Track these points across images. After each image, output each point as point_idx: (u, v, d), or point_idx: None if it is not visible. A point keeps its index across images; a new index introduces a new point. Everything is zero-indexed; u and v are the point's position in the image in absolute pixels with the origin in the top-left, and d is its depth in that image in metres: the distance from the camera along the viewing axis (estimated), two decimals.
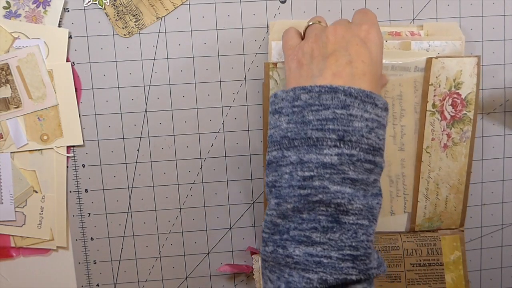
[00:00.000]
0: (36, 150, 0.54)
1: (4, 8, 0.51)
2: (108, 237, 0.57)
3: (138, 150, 0.55)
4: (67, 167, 0.55)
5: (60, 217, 0.55)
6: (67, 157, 0.55)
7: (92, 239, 0.56)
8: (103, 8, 0.53)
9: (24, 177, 0.54)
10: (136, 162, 0.55)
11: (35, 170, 0.54)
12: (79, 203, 0.56)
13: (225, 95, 0.55)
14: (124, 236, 0.57)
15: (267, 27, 0.54)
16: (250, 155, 0.56)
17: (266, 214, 0.39)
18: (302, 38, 0.45)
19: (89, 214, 0.56)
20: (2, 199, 0.54)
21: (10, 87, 0.52)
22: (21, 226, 0.55)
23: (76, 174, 0.55)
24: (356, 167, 0.36)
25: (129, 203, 0.56)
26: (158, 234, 0.57)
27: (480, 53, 0.56)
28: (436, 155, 0.53)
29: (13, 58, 0.52)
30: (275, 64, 0.51)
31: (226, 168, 0.57)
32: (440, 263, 0.54)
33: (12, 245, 0.55)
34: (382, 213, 0.55)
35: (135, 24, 0.53)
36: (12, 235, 0.55)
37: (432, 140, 0.52)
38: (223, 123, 0.56)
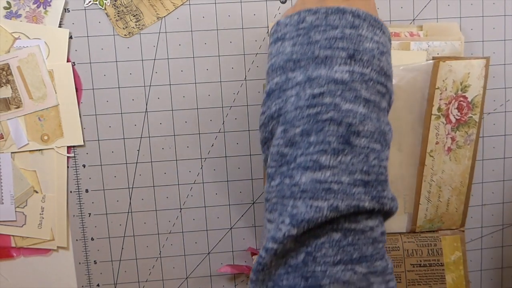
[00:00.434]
0: (36, 150, 0.54)
1: (5, 8, 0.51)
2: (109, 237, 0.57)
3: (138, 150, 0.55)
4: (68, 167, 0.55)
5: (60, 217, 0.55)
6: (68, 157, 0.55)
7: (92, 239, 0.56)
8: (103, 8, 0.53)
9: (24, 177, 0.54)
10: (137, 162, 0.55)
11: (36, 170, 0.54)
12: (80, 203, 0.56)
13: (225, 95, 0.55)
14: (124, 236, 0.57)
15: (268, 27, 0.54)
16: (250, 155, 0.56)
17: (272, 146, 0.35)
18: None
19: (90, 214, 0.56)
20: (2, 199, 0.54)
21: (11, 87, 0.52)
22: (21, 226, 0.55)
23: (76, 174, 0.55)
24: (369, 87, 0.34)
25: (130, 203, 0.56)
26: (158, 234, 0.57)
27: (481, 53, 0.56)
28: (439, 159, 0.52)
29: (14, 58, 0.52)
30: None
31: (227, 168, 0.57)
32: (441, 263, 0.54)
33: (13, 245, 0.55)
34: None
35: (136, 24, 0.53)
36: (13, 235, 0.55)
37: (436, 144, 0.52)
38: (223, 123, 0.56)
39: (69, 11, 0.52)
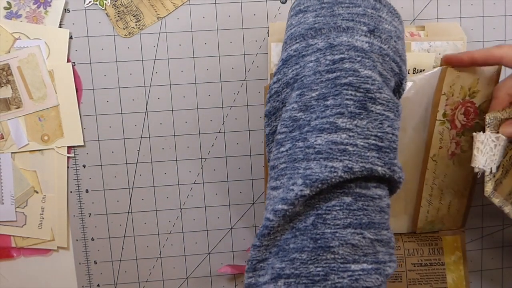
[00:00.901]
0: (36, 150, 0.54)
1: (5, 8, 0.51)
2: (109, 238, 0.56)
3: (138, 150, 0.55)
4: (68, 167, 0.55)
5: (60, 218, 0.55)
6: (68, 157, 0.55)
7: (92, 239, 0.56)
8: (103, 8, 0.53)
9: (24, 178, 0.54)
10: (137, 163, 0.55)
11: (36, 171, 0.54)
12: (80, 204, 0.56)
13: (225, 95, 0.55)
14: (124, 237, 0.57)
15: (268, 27, 0.54)
16: (250, 155, 0.56)
17: (284, 111, 0.35)
18: None
19: (90, 214, 0.56)
20: (2, 199, 0.54)
21: (11, 87, 0.52)
22: (21, 227, 0.55)
23: (76, 174, 0.55)
24: (385, 61, 0.35)
25: (130, 203, 0.56)
26: (158, 234, 0.57)
27: None
28: (442, 163, 0.51)
29: (14, 59, 0.52)
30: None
31: (227, 168, 0.57)
32: (442, 262, 0.54)
33: (13, 245, 0.55)
34: None
35: (136, 25, 0.53)
36: (13, 235, 0.55)
37: (439, 148, 0.51)
38: (223, 123, 0.56)
39: (69, 11, 0.52)
